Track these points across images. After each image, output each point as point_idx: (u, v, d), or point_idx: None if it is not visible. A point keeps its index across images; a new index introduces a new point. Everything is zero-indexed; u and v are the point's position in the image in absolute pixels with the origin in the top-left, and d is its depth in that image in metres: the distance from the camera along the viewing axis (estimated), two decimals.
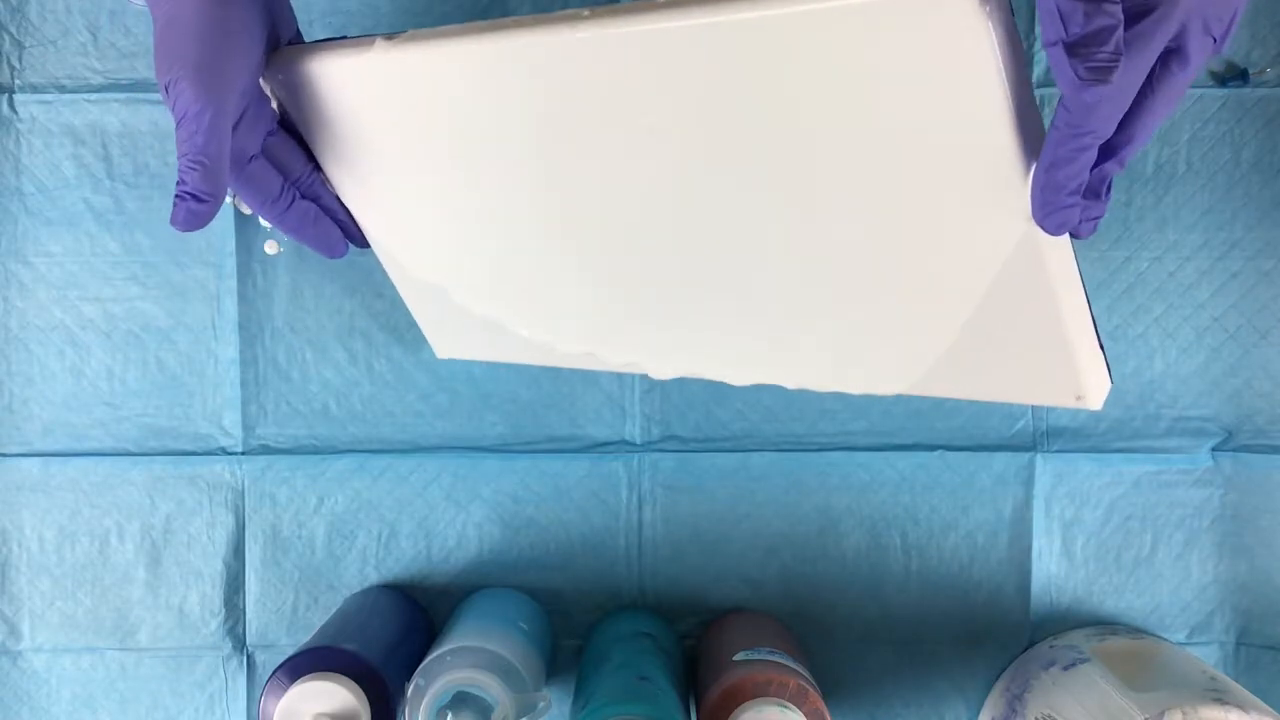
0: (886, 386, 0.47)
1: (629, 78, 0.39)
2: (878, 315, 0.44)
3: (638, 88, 0.40)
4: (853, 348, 0.46)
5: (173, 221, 0.43)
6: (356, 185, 0.50)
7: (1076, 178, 0.36)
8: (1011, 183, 0.37)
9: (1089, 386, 0.42)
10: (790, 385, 0.50)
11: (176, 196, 0.43)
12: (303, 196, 0.50)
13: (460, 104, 0.44)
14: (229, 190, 0.57)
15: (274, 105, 0.48)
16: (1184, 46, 0.35)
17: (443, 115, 0.45)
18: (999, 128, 0.36)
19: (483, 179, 0.47)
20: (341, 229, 0.52)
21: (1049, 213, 0.37)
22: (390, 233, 0.52)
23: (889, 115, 0.37)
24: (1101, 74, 0.33)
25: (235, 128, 0.45)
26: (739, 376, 0.51)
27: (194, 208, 0.42)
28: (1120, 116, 0.36)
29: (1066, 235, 0.39)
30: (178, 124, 0.42)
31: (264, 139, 0.47)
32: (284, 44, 0.47)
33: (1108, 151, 0.37)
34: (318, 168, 0.50)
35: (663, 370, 0.53)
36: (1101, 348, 0.42)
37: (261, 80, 0.46)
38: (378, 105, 0.46)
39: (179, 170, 0.42)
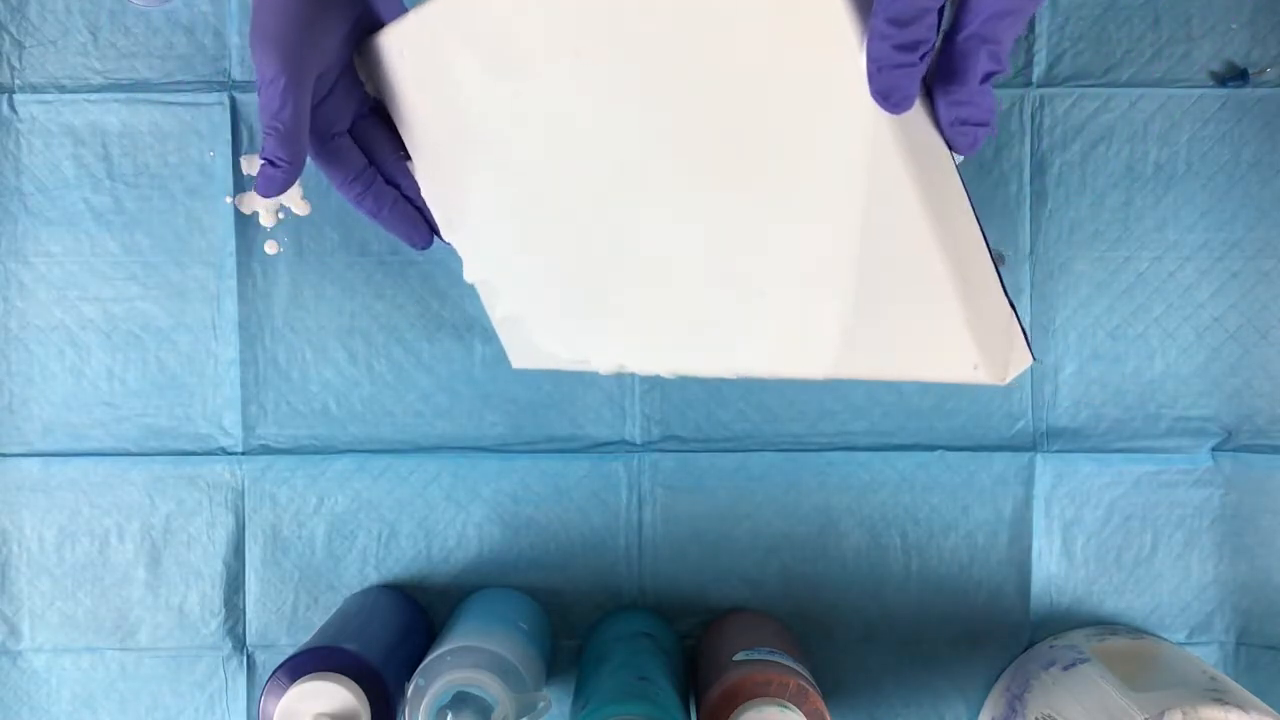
0: (810, 368, 0.42)
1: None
2: (773, 282, 0.41)
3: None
4: (764, 325, 0.43)
5: (258, 188, 0.46)
6: (432, 173, 0.50)
7: (910, 28, 0.31)
8: (855, 71, 0.33)
9: (993, 355, 0.36)
10: (726, 374, 0.47)
11: (263, 164, 0.46)
12: (386, 182, 0.51)
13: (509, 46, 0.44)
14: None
15: (369, 88, 0.49)
16: None
17: (493, 67, 0.45)
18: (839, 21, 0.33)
19: (533, 151, 0.46)
20: (425, 217, 0.52)
21: (877, 68, 0.32)
22: (463, 231, 0.52)
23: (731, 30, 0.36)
24: None
25: (322, 102, 0.47)
26: (679, 364, 0.49)
27: (269, 172, 0.45)
28: None
29: (946, 163, 0.34)
30: (258, 91, 0.45)
31: (354, 119, 0.49)
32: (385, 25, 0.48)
33: (962, 20, 0.32)
34: (406, 157, 0.51)
35: (602, 364, 0.51)
36: (1015, 313, 0.37)
37: (355, 62, 0.48)
38: (434, 71, 0.47)
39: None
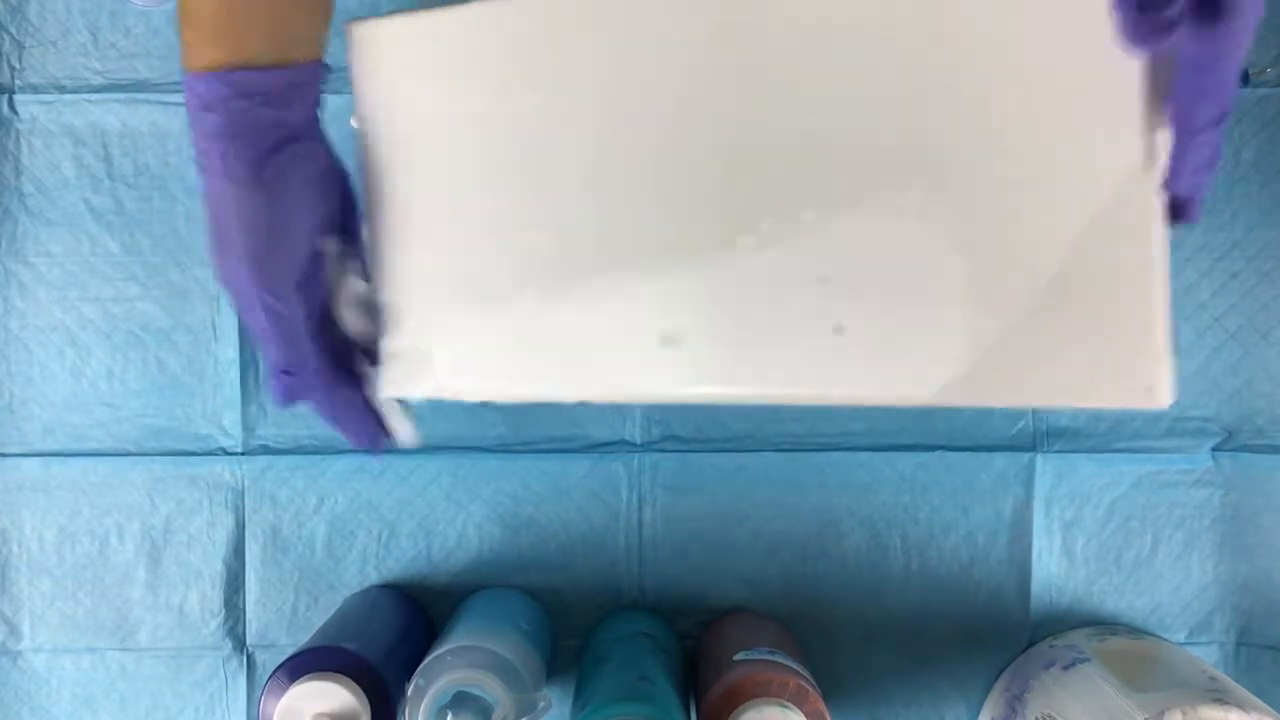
0: (915, 393, 0.42)
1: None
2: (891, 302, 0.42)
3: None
4: (861, 348, 0.43)
5: (274, 399, 0.43)
6: (396, 176, 0.48)
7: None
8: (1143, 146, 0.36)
9: (1160, 380, 0.39)
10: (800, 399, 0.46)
11: (272, 375, 0.43)
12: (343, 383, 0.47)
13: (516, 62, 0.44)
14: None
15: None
16: None
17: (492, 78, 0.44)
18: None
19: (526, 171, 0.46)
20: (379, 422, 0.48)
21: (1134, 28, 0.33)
22: (412, 245, 0.49)
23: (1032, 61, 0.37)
24: None
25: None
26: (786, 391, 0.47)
27: (287, 382, 0.43)
28: None
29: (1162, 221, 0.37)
30: (248, 319, 0.42)
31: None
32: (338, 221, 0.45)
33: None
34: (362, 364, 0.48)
35: (671, 389, 0.49)
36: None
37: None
38: (437, 69, 0.46)
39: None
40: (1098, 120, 0.37)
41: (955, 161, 0.39)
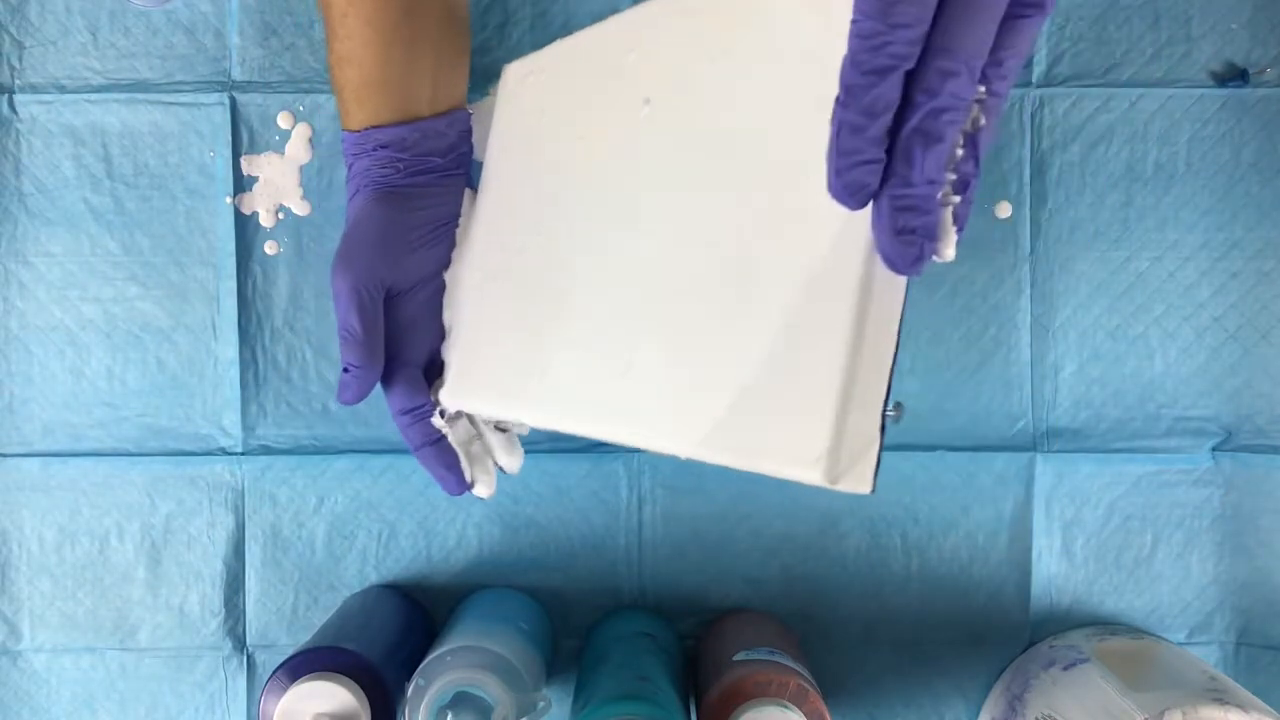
0: (677, 445, 0.40)
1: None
2: (678, 356, 0.40)
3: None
4: (650, 395, 0.41)
5: (337, 396, 0.49)
6: (493, 203, 0.52)
7: (875, 117, 0.29)
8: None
9: (836, 461, 0.34)
10: (603, 438, 0.44)
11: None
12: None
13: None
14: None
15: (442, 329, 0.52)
16: None
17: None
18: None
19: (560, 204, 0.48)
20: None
21: (847, 164, 0.30)
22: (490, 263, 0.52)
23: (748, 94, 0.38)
24: None
25: (398, 328, 0.50)
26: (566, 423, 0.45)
27: (343, 377, 0.48)
28: (927, 19, 0.29)
29: (900, 292, 0.33)
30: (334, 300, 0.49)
31: (429, 359, 0.52)
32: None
33: (914, 97, 0.30)
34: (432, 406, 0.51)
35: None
36: (880, 444, 0.35)
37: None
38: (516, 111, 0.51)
39: None
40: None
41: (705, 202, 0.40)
